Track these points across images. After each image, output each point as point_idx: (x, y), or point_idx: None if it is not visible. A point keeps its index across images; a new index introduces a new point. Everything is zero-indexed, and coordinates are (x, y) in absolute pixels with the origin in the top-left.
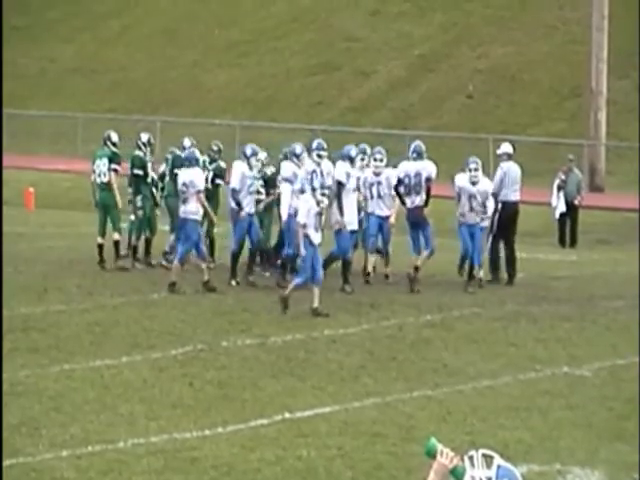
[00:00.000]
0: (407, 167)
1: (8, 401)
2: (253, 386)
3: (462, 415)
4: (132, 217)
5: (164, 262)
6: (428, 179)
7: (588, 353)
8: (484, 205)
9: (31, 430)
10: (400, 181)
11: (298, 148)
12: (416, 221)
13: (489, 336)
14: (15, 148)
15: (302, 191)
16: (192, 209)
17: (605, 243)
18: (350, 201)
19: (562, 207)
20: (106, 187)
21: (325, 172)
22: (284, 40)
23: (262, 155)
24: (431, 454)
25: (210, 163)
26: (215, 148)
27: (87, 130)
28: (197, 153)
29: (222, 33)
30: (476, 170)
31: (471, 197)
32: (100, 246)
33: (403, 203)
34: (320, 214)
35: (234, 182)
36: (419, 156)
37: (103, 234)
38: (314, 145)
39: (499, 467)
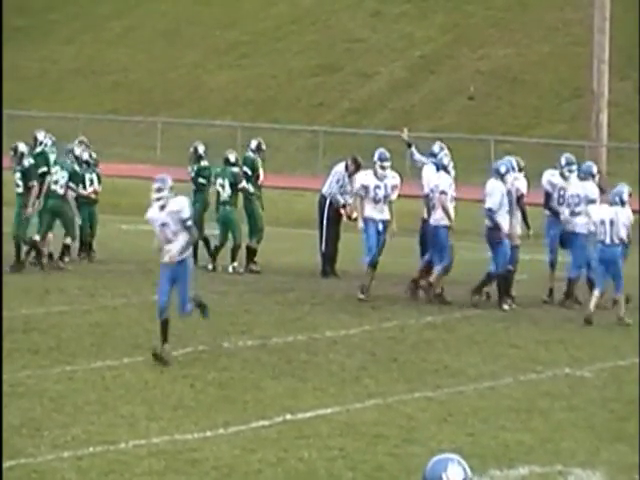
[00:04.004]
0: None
1: (9, 402)
2: (254, 387)
3: (463, 416)
4: None
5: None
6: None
7: (589, 354)
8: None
9: (32, 431)
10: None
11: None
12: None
13: (490, 337)
14: None
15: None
16: (439, 215)
17: None
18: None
19: None
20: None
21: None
22: (285, 41)
23: (46, 143)
24: None
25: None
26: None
27: (88, 131)
28: (446, 159)
29: (223, 34)
30: (568, 165)
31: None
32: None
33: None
34: None
35: (491, 202)
36: (586, 176)
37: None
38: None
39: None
